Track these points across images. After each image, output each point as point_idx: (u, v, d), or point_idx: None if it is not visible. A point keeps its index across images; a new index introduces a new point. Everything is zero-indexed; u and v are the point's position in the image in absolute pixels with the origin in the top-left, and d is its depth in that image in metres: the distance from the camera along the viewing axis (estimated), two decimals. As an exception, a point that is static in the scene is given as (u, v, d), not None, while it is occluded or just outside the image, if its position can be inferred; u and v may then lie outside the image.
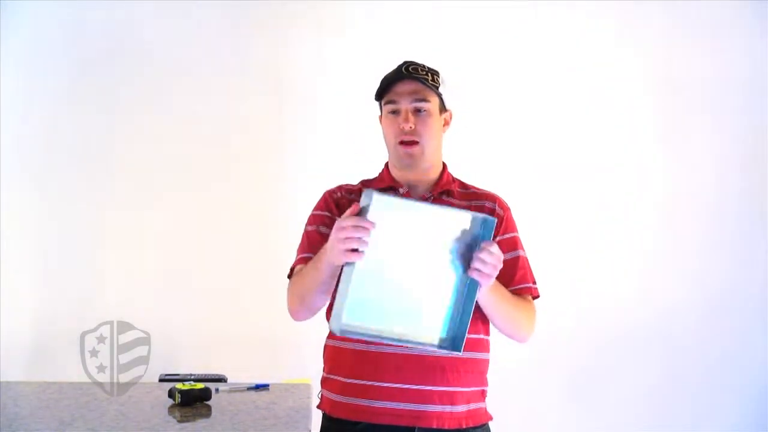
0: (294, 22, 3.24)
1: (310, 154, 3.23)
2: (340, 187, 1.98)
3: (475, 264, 1.63)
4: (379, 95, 1.93)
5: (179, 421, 2.03)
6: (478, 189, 2.00)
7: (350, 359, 1.83)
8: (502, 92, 3.27)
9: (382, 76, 1.95)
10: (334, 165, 3.14)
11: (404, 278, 1.64)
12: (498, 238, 1.89)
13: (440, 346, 1.67)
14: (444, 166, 1.98)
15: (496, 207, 1.94)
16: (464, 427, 1.83)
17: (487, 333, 1.91)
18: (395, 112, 1.88)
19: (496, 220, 1.66)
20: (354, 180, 2.02)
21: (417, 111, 1.87)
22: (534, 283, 1.95)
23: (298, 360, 3.13)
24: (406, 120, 1.86)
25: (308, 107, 3.25)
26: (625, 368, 3.31)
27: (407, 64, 1.91)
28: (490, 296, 1.75)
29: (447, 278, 1.66)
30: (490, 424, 1.93)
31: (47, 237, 3.18)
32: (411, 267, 1.64)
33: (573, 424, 3.28)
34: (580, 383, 3.30)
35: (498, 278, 1.74)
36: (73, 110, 3.18)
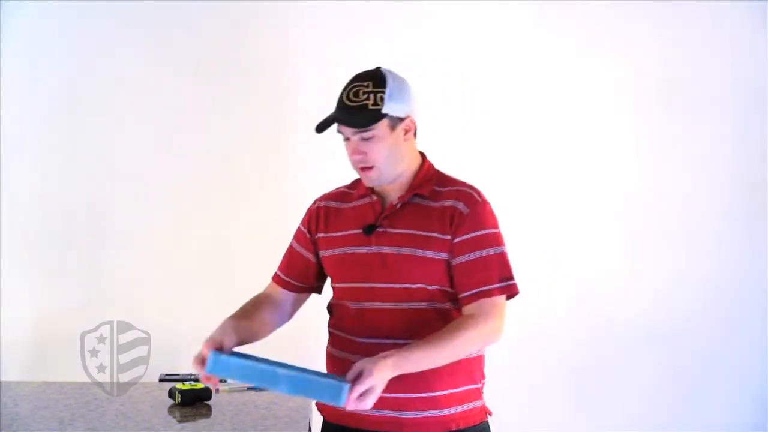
0: (296, 22, 3.24)
1: (310, 156, 3.22)
2: (321, 198, 1.99)
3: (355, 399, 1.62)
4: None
5: (179, 421, 2.04)
6: (455, 184, 1.88)
7: (339, 367, 1.83)
8: (497, 90, 3.25)
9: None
10: (333, 166, 3.13)
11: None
12: (458, 239, 1.79)
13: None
14: (422, 162, 1.89)
15: (460, 206, 1.81)
16: (454, 429, 1.80)
17: None
18: (347, 139, 1.83)
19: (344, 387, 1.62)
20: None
21: (364, 139, 1.80)
22: (501, 281, 1.79)
23: (298, 360, 3.11)
24: (355, 152, 1.81)
25: (311, 110, 3.23)
26: (620, 364, 3.30)
27: (349, 88, 1.83)
28: (418, 366, 1.71)
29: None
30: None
31: (47, 237, 3.17)
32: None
33: (567, 420, 3.27)
34: (574, 379, 3.29)
35: (456, 281, 1.77)
36: (73, 110, 3.18)
